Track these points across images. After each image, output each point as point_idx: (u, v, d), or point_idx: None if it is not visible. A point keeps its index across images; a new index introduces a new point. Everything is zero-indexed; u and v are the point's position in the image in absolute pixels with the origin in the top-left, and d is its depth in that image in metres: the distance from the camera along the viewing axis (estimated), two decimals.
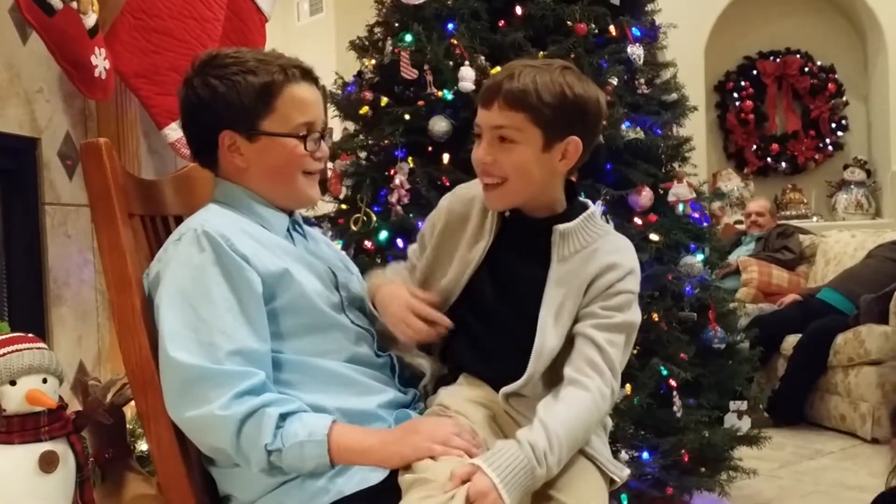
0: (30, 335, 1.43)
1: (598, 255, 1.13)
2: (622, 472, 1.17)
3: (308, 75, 1.24)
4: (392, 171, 1.99)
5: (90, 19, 1.85)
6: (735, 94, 5.38)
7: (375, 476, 1.08)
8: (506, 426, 1.17)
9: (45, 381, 1.36)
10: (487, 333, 1.18)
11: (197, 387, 1.09)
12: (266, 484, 1.13)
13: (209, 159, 1.27)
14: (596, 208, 1.19)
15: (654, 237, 2.05)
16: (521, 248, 1.16)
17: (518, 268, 1.16)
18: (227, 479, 1.18)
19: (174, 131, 2.13)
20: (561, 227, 1.13)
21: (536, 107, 1.07)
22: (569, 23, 2.07)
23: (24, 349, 1.37)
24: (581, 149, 1.11)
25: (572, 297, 1.12)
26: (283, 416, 1.08)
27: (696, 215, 2.20)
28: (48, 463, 1.34)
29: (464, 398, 1.18)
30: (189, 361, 1.09)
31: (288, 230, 1.27)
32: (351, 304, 1.26)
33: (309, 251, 1.28)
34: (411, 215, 1.94)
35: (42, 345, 1.42)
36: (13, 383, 1.34)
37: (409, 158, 2.00)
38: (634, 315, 1.14)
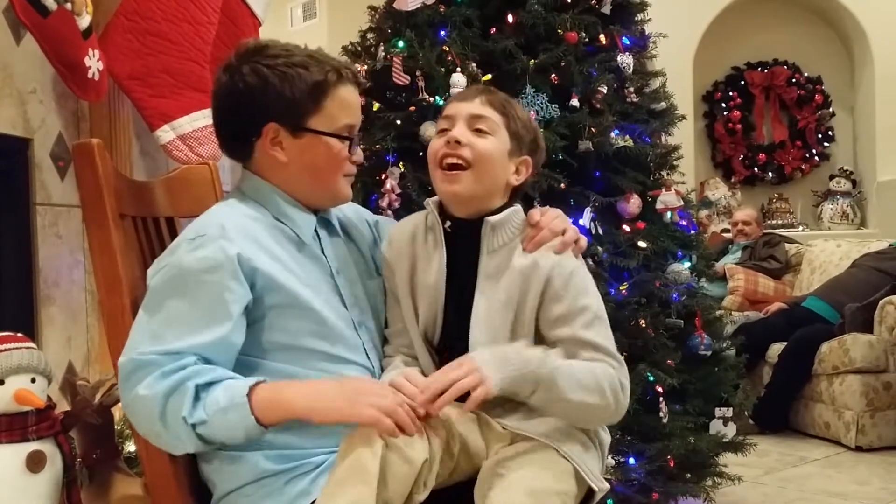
0: (19, 335, 1.43)
1: (537, 258, 1.16)
2: (601, 483, 1.14)
3: (355, 78, 1.23)
4: (383, 176, 2.00)
5: (84, 21, 1.85)
6: (723, 104, 5.42)
7: None
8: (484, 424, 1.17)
9: (33, 380, 1.37)
10: (459, 341, 1.18)
11: (131, 376, 1.07)
12: (246, 474, 1.12)
13: (242, 151, 1.23)
14: (518, 207, 1.23)
15: (641, 244, 2.06)
16: (463, 253, 1.20)
17: (466, 273, 1.20)
18: (209, 467, 1.17)
19: (166, 133, 2.13)
20: (492, 218, 1.18)
21: (512, 116, 1.21)
22: (560, 31, 2.08)
23: (13, 349, 1.37)
24: (530, 170, 1.23)
25: (516, 291, 1.15)
26: (205, 386, 1.05)
27: (684, 223, 2.22)
28: (35, 463, 1.34)
29: None
30: (126, 357, 1.08)
31: (315, 231, 1.24)
32: (362, 323, 1.23)
33: (335, 257, 1.25)
34: None
35: (31, 344, 1.42)
36: (1, 382, 1.34)
37: (401, 163, 2.01)
38: (596, 296, 1.18)
